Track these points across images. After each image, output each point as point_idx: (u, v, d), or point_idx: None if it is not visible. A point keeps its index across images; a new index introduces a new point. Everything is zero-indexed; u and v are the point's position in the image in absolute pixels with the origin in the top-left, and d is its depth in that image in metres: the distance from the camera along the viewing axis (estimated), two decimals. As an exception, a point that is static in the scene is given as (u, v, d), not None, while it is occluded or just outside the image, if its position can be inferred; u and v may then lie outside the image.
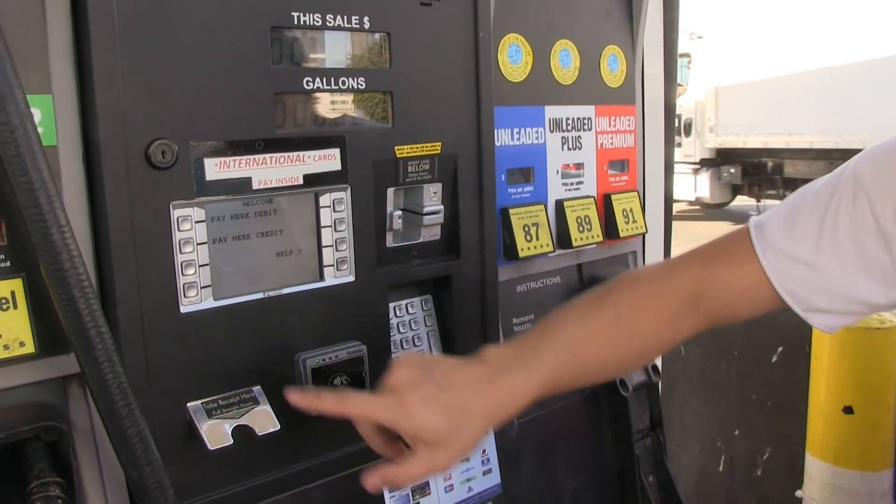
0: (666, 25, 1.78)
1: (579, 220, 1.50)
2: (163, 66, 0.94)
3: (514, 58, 1.39)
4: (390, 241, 1.21)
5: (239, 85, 1.00)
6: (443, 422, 0.87)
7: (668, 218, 1.86)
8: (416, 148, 1.19)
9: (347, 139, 1.11)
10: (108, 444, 0.88)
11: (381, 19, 1.13)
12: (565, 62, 1.48)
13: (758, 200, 12.78)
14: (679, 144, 12.77)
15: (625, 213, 1.58)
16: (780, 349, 2.97)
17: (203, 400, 1.00)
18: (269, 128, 1.04)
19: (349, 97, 1.12)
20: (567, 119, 1.50)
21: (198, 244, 0.99)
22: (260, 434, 1.01)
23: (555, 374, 0.95)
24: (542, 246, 1.42)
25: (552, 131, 1.48)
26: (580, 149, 1.53)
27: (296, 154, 1.06)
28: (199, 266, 0.99)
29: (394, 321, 1.25)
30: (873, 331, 2.56)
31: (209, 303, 1.01)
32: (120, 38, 0.89)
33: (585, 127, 1.54)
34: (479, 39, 1.24)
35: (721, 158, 13.18)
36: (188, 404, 0.99)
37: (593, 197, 1.55)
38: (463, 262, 1.28)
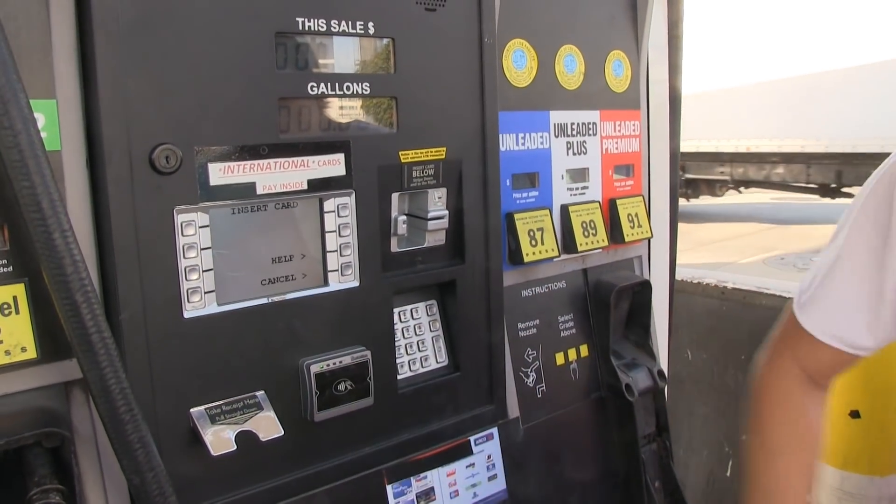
0: (670, 23, 1.77)
1: (584, 225, 1.49)
2: (167, 70, 0.94)
3: (518, 63, 1.39)
4: (395, 246, 1.21)
5: (243, 90, 1.00)
6: None
7: (674, 222, 1.85)
8: (421, 153, 1.18)
9: (352, 144, 1.11)
10: (111, 451, 0.88)
11: (385, 25, 1.13)
12: (570, 67, 1.48)
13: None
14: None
15: (630, 217, 1.58)
16: (786, 353, 2.95)
17: (206, 405, 1.00)
18: (274, 133, 1.03)
19: (354, 102, 1.11)
20: (572, 124, 1.50)
21: (201, 249, 0.99)
22: (263, 440, 1.00)
23: None
24: (547, 251, 1.41)
25: (557, 136, 1.47)
26: (585, 154, 1.53)
27: (300, 159, 1.06)
28: (203, 271, 0.99)
29: (398, 326, 1.24)
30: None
31: (213, 308, 1.00)
32: (124, 43, 0.90)
33: (590, 132, 1.53)
34: (484, 45, 1.24)
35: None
36: (191, 410, 0.99)
37: (598, 202, 1.54)
38: (468, 267, 1.27)
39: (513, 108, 1.38)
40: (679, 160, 1.88)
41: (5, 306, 0.84)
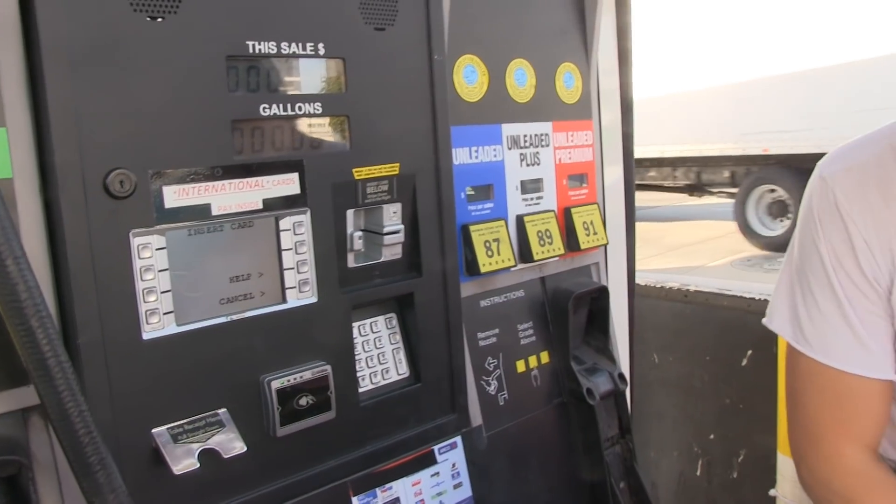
0: (619, 31, 1.82)
1: (540, 234, 1.52)
2: (119, 96, 0.95)
3: (469, 78, 1.42)
4: (352, 262, 1.23)
5: (196, 113, 1.02)
6: None
7: (631, 228, 1.89)
8: (375, 169, 1.21)
9: (306, 163, 1.13)
10: (72, 476, 0.88)
11: (336, 45, 1.15)
12: (521, 81, 1.52)
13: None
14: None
15: (585, 225, 1.62)
16: (749, 352, 3.01)
17: (168, 425, 1.01)
18: (228, 154, 1.05)
19: (307, 122, 1.14)
20: (525, 136, 1.54)
21: (159, 271, 1.00)
22: (227, 457, 1.02)
23: None
24: (503, 261, 1.44)
25: (510, 148, 1.51)
26: (539, 164, 1.56)
27: (255, 179, 1.08)
28: (161, 292, 1.00)
29: (358, 340, 1.26)
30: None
31: (172, 328, 1.02)
32: (74, 69, 0.91)
33: (543, 143, 1.57)
34: (434, 62, 1.27)
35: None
36: (153, 430, 1.00)
37: (554, 211, 1.58)
38: (425, 280, 1.30)
39: (465, 122, 1.41)
40: (633, 167, 1.92)
41: (-40, 334, 0.85)
